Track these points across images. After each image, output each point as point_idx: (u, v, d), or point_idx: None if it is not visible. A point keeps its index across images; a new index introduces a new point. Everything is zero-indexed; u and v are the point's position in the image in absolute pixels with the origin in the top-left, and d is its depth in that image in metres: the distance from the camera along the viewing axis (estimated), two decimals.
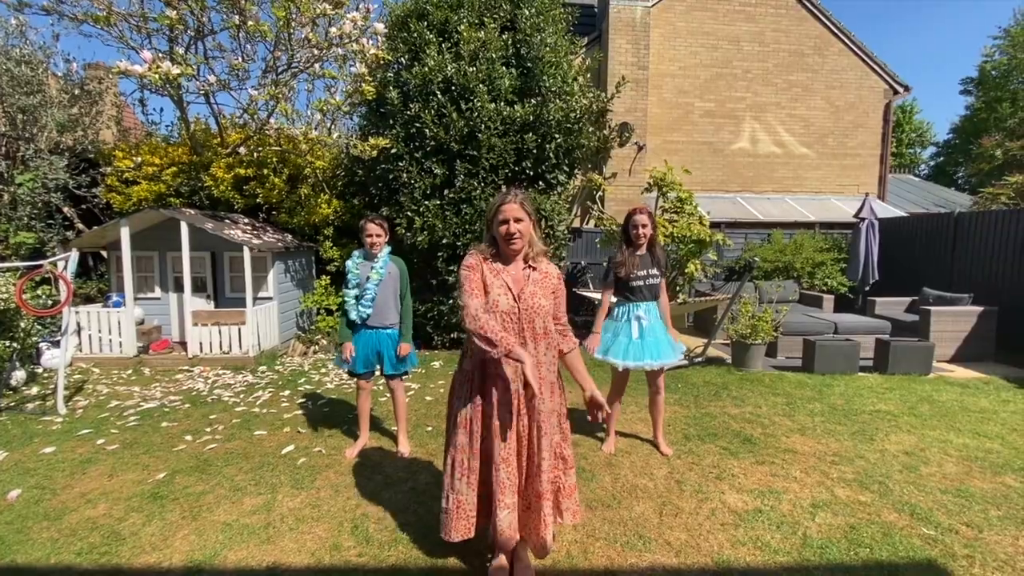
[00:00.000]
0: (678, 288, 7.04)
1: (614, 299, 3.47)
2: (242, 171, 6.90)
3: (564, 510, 2.15)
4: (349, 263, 3.36)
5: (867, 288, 7.41)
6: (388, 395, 4.67)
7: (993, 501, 2.83)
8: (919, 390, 4.83)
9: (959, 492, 2.93)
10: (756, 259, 7.84)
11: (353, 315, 3.31)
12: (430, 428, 3.93)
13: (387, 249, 3.40)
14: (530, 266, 2.13)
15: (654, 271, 3.32)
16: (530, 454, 2.07)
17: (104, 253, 6.97)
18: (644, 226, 3.28)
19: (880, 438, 3.71)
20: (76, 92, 7.68)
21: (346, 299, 3.32)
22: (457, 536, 2.07)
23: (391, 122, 6.13)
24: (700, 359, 5.84)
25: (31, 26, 7.22)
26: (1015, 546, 2.43)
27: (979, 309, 5.95)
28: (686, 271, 6.88)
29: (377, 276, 3.28)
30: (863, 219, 7.22)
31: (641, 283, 3.30)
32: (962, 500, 2.84)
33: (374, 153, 5.95)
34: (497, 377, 2.05)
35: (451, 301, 6.29)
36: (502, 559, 2.23)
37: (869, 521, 2.63)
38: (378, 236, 3.30)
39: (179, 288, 6.47)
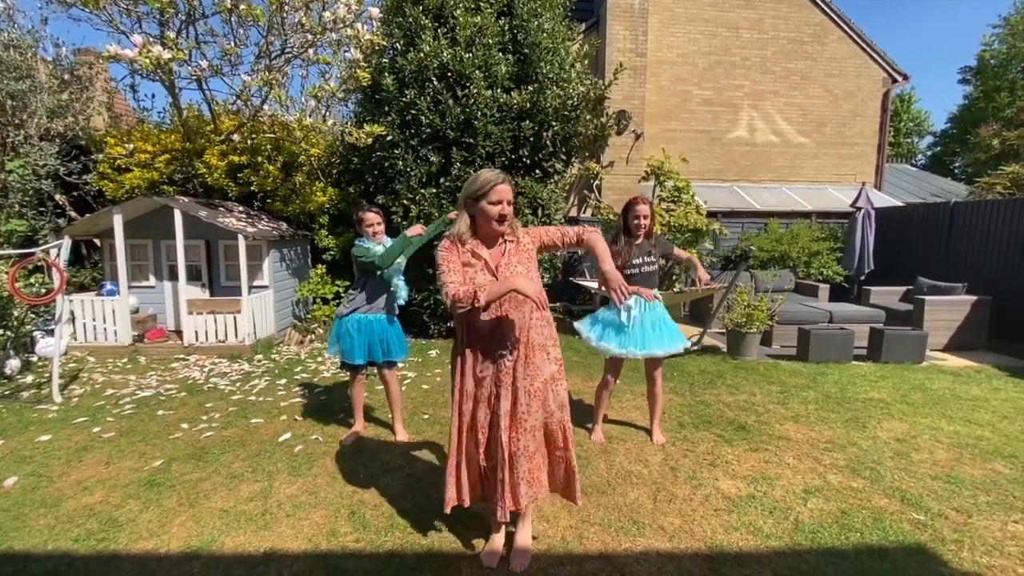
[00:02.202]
0: (674, 277, 7.05)
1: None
2: (236, 158, 6.83)
3: (566, 486, 2.20)
4: (366, 249, 3.25)
5: (862, 277, 7.44)
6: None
7: (983, 487, 2.87)
8: (912, 378, 4.87)
9: (949, 478, 2.97)
10: (752, 248, 7.85)
11: (403, 300, 3.38)
12: (427, 416, 3.94)
13: (387, 239, 3.40)
14: (506, 240, 2.13)
15: (650, 259, 3.30)
16: (519, 419, 2.07)
17: (97, 241, 6.91)
18: (645, 217, 3.24)
19: (872, 425, 3.75)
20: (66, 77, 7.57)
21: (397, 282, 3.32)
22: (451, 503, 2.17)
23: (386, 109, 6.06)
24: (696, 347, 5.87)
25: (19, 9, 7.09)
26: (1003, 531, 2.47)
27: (973, 298, 5.99)
28: None
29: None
30: (859, 208, 7.22)
31: (636, 271, 3.28)
32: (952, 486, 2.88)
33: (369, 140, 5.90)
34: (482, 352, 2.07)
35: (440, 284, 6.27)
36: (495, 543, 2.26)
37: (860, 506, 2.67)
38: (379, 224, 3.31)
39: (174, 276, 6.43)
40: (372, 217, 3.29)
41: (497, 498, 2.09)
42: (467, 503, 2.20)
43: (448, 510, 2.19)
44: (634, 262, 3.27)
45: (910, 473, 3.03)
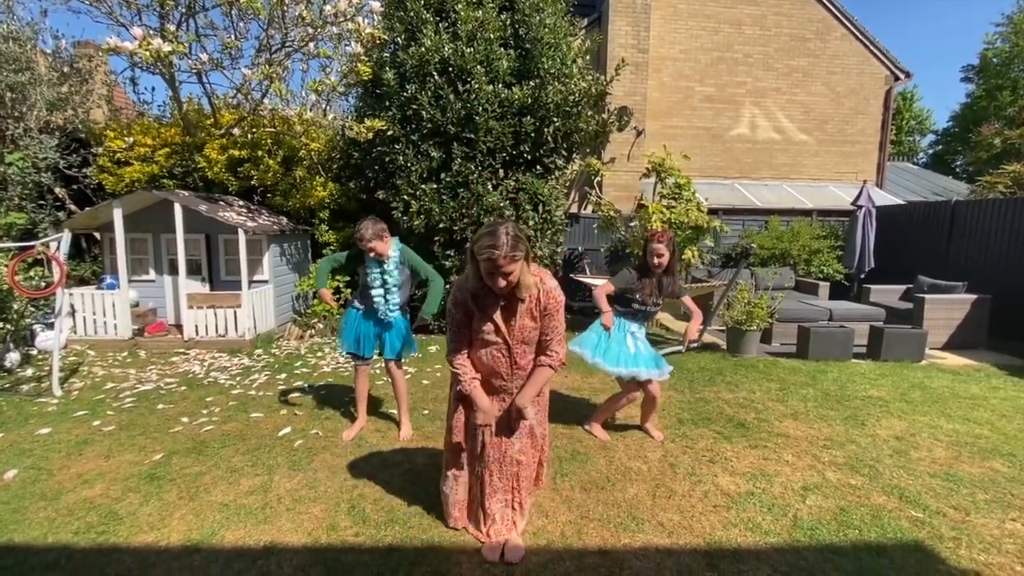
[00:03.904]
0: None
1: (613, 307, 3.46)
2: (236, 153, 6.81)
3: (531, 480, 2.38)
4: (369, 262, 3.23)
5: (863, 276, 7.43)
6: (385, 379, 4.71)
7: (981, 485, 2.88)
8: (911, 377, 4.87)
9: (948, 476, 2.97)
10: (753, 246, 7.84)
11: (381, 315, 3.30)
12: (426, 411, 3.95)
13: (395, 248, 3.25)
14: (519, 298, 2.03)
15: (654, 299, 3.34)
16: (506, 451, 2.23)
17: (97, 235, 6.90)
18: (660, 256, 3.25)
19: (871, 423, 3.75)
20: (65, 70, 7.53)
21: (375, 298, 3.25)
22: (457, 522, 2.35)
23: (387, 104, 6.04)
24: (695, 345, 5.87)
25: (18, 1, 7.05)
26: (1001, 529, 2.47)
27: (972, 297, 5.99)
28: (683, 258, 6.88)
29: (394, 280, 3.26)
30: (860, 207, 7.21)
31: (644, 308, 3.33)
32: (950, 484, 2.89)
33: (370, 135, 5.88)
34: (490, 385, 2.18)
35: (448, 286, 6.27)
36: (494, 539, 2.27)
37: (859, 504, 2.67)
38: (371, 251, 3.13)
39: (174, 271, 6.42)
40: (374, 244, 3.08)
41: (499, 516, 2.26)
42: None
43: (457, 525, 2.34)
44: (647, 300, 3.30)
45: (909, 471, 3.04)
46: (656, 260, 3.25)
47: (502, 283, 1.89)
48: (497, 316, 2.03)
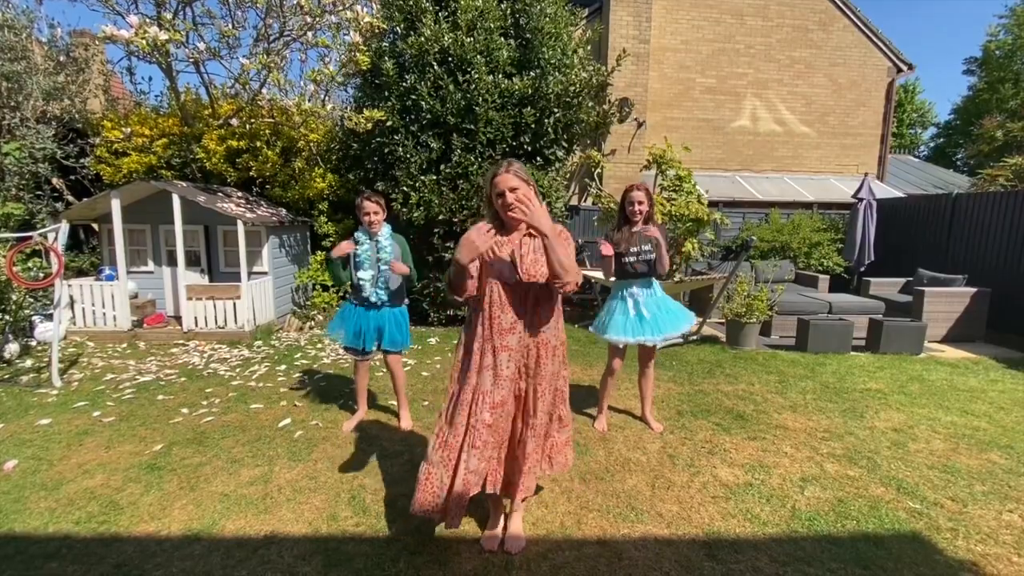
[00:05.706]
0: (675, 267, 7.04)
1: (612, 279, 3.46)
2: (234, 143, 6.77)
3: (553, 463, 2.29)
4: (356, 245, 3.27)
5: (863, 269, 7.43)
6: (384, 370, 4.71)
7: (978, 477, 2.89)
8: (910, 369, 4.89)
9: (945, 468, 2.99)
10: (753, 239, 7.82)
11: (373, 298, 3.28)
12: (426, 403, 3.95)
13: (387, 227, 3.33)
14: (530, 233, 2.07)
15: (647, 247, 3.27)
16: (525, 417, 2.13)
17: (95, 226, 6.87)
18: (640, 203, 3.23)
19: (870, 416, 3.76)
20: (62, 59, 7.47)
21: (361, 281, 3.27)
22: (420, 509, 2.03)
23: (386, 94, 5.99)
24: (695, 337, 5.88)
25: None
26: (998, 520, 2.49)
27: (972, 290, 5.99)
28: (683, 250, 6.87)
29: (387, 256, 3.25)
30: (861, 199, 7.19)
31: (634, 259, 3.28)
32: (948, 476, 2.90)
33: (369, 126, 5.84)
34: (503, 349, 2.03)
35: (439, 282, 6.26)
36: (495, 528, 2.28)
37: (856, 495, 2.69)
38: (375, 214, 3.21)
39: (172, 262, 6.40)
40: (368, 206, 3.20)
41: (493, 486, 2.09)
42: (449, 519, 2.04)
43: (423, 512, 2.03)
44: (632, 250, 3.26)
45: (907, 462, 3.05)
46: (637, 208, 3.23)
47: (510, 197, 1.96)
48: (512, 251, 2.06)
